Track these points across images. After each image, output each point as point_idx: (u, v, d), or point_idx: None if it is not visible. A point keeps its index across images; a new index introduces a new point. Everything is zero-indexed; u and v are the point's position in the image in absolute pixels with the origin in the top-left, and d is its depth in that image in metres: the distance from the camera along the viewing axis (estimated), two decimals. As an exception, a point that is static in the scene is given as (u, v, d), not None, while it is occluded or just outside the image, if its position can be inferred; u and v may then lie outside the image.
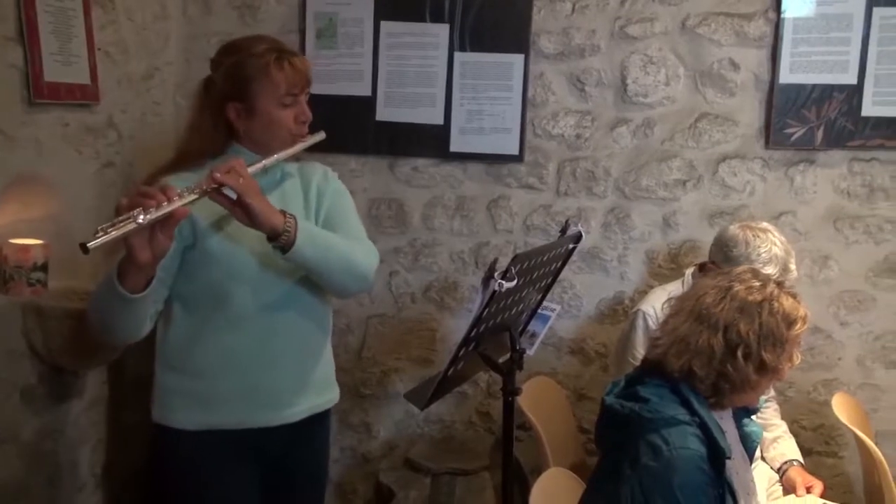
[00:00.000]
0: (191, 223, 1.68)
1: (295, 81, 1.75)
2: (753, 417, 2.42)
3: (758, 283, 1.66)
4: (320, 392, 1.89)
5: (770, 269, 2.20)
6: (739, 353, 1.61)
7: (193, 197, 1.53)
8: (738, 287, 1.65)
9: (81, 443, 2.36)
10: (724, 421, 1.70)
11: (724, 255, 2.29)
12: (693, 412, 1.61)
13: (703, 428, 1.59)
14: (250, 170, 1.64)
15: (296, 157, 1.84)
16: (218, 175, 1.56)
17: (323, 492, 2.03)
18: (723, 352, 1.61)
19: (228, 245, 1.72)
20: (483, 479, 2.65)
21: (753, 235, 2.26)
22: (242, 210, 1.59)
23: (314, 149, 1.86)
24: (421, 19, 2.79)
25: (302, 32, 2.84)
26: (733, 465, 1.66)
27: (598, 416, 1.75)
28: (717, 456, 1.58)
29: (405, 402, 2.61)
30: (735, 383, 1.63)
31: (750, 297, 1.63)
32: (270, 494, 1.86)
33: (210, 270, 1.72)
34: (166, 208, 1.46)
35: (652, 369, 1.70)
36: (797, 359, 1.69)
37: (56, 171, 2.21)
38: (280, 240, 1.62)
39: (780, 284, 1.68)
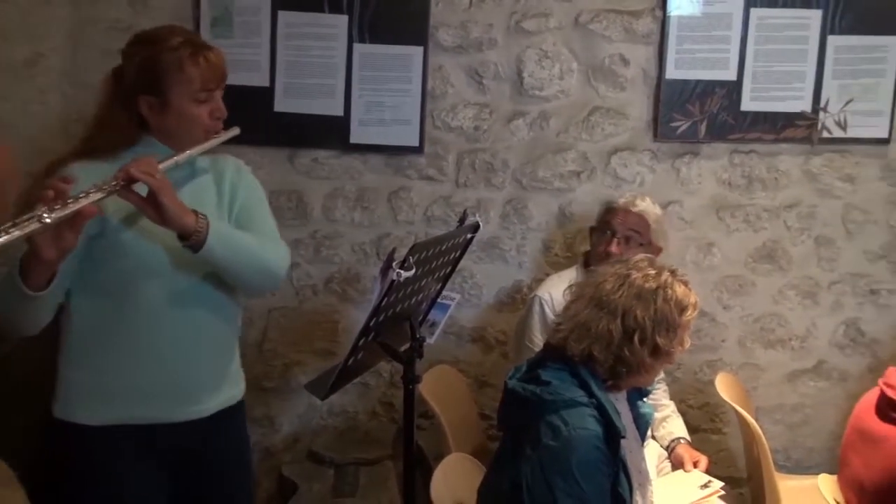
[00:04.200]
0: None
1: (210, 77, 1.73)
2: (645, 399, 2.54)
3: (653, 272, 1.75)
4: (231, 385, 1.88)
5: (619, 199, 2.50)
6: (636, 338, 1.69)
7: (102, 195, 1.50)
8: (635, 275, 1.73)
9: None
10: (619, 402, 1.78)
11: None
12: (591, 394, 1.68)
13: (600, 409, 1.67)
14: (162, 166, 1.62)
15: (209, 151, 1.82)
16: (133, 171, 1.54)
17: (248, 482, 2.01)
18: (620, 337, 1.69)
19: (141, 238, 1.69)
20: (386, 468, 2.68)
21: None
22: (154, 209, 1.58)
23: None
24: (319, 10, 2.77)
25: (196, 21, 2.77)
26: (627, 445, 1.74)
27: (501, 400, 1.81)
28: (612, 435, 1.66)
29: (308, 394, 2.60)
30: (631, 366, 1.71)
31: (646, 285, 1.72)
32: (189, 490, 1.83)
33: (119, 262, 1.69)
34: (72, 207, 1.43)
35: (554, 353, 1.76)
36: (687, 343, 1.79)
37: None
38: (191, 239, 1.62)
39: (673, 272, 1.77)
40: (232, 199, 1.84)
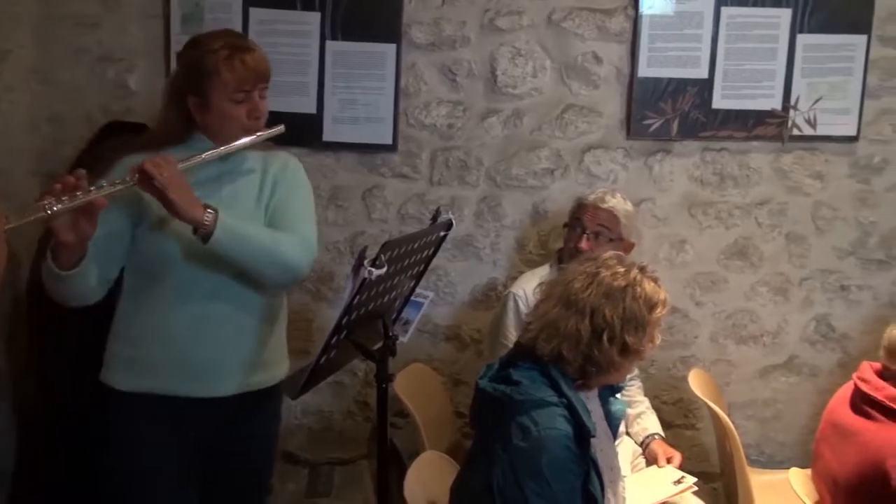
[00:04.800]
0: (139, 202, 1.81)
1: (245, 78, 1.84)
2: (618, 395, 2.55)
3: (622, 269, 1.74)
4: (254, 373, 1.94)
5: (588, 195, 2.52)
6: (605, 337, 1.68)
7: (118, 188, 1.67)
8: (604, 273, 1.72)
9: None
10: (590, 401, 1.78)
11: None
12: (561, 394, 1.67)
13: (570, 408, 1.66)
14: (183, 165, 1.76)
15: (264, 147, 1.96)
16: (146, 167, 1.68)
17: (265, 468, 2.10)
18: (589, 336, 1.68)
19: (170, 229, 1.82)
20: (361, 468, 2.67)
21: None
22: (165, 202, 1.72)
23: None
24: (291, 7, 2.75)
25: (166, 17, 2.74)
26: (598, 443, 1.74)
27: (472, 399, 1.80)
28: (582, 434, 1.66)
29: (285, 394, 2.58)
30: (601, 365, 1.70)
31: (615, 283, 1.71)
32: (208, 465, 1.96)
33: (152, 248, 1.85)
34: (82, 199, 1.59)
35: (524, 352, 1.76)
36: (658, 339, 1.78)
37: None
38: (199, 231, 1.74)
39: (642, 269, 1.77)
40: (271, 194, 1.94)
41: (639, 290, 1.71)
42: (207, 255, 1.80)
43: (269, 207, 1.93)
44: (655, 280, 1.77)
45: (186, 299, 1.85)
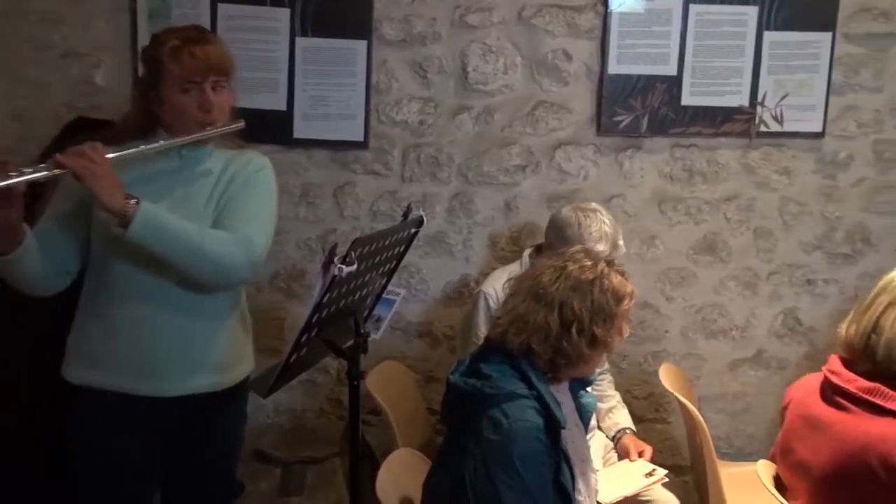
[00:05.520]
0: (81, 201, 1.79)
1: (194, 69, 1.81)
2: (589, 389, 2.57)
3: (589, 262, 1.75)
4: (206, 374, 1.90)
5: (601, 246, 2.33)
6: (574, 330, 1.69)
7: (38, 175, 1.62)
8: (571, 266, 1.74)
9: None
10: (560, 393, 1.79)
11: (558, 237, 2.40)
12: (531, 386, 1.68)
13: (541, 401, 1.67)
14: (119, 155, 1.71)
15: (237, 145, 1.96)
16: (58, 156, 1.64)
17: (228, 472, 2.10)
18: (558, 329, 1.69)
19: (109, 224, 1.76)
20: (334, 465, 2.67)
21: (584, 216, 2.39)
22: (88, 192, 1.68)
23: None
24: (261, 2, 2.73)
25: (133, 12, 2.70)
26: (569, 435, 1.75)
27: (444, 395, 1.81)
28: (553, 426, 1.67)
29: (253, 392, 2.57)
30: (570, 358, 1.72)
31: (583, 276, 1.72)
32: (167, 462, 1.96)
33: (97, 243, 1.84)
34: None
35: (494, 347, 1.76)
36: (626, 332, 1.80)
37: None
38: (120, 221, 1.69)
39: (609, 263, 1.78)
40: (223, 193, 1.90)
41: (606, 282, 1.73)
42: (145, 251, 1.75)
43: (219, 205, 1.89)
44: (622, 273, 1.78)
45: (129, 298, 1.83)
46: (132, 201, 1.69)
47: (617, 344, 1.80)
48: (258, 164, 1.98)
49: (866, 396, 1.70)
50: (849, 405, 1.74)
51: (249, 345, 2.06)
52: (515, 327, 1.72)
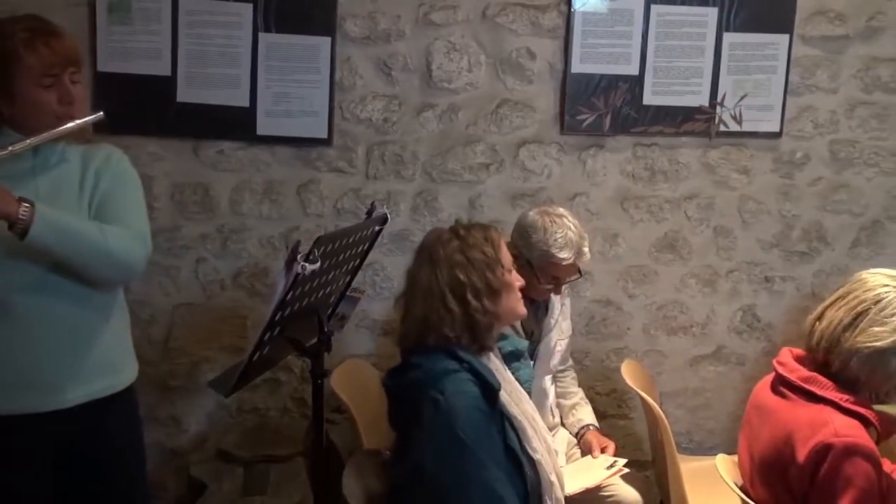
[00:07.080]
0: None
1: (52, 62, 1.72)
2: (553, 385, 2.59)
3: (447, 237, 1.83)
4: (102, 376, 1.84)
5: (565, 253, 2.35)
6: (471, 296, 1.76)
7: None
8: (438, 252, 1.81)
9: None
10: (492, 363, 1.85)
11: (523, 239, 2.41)
12: (461, 360, 1.74)
13: (473, 371, 1.73)
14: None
15: (85, 140, 1.81)
16: None
17: (137, 479, 2.00)
18: (460, 307, 1.76)
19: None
20: (298, 464, 2.65)
21: (551, 221, 2.39)
22: None
23: (102, 130, 1.81)
24: (222, -3, 2.71)
25: (91, 6, 2.65)
26: (509, 398, 1.81)
27: (387, 404, 1.84)
28: (491, 393, 1.73)
29: (215, 391, 2.54)
30: (486, 321, 1.79)
31: (449, 252, 1.80)
32: (73, 482, 1.84)
33: None
34: None
35: (417, 348, 1.82)
36: (511, 261, 1.88)
37: None
38: (16, 227, 1.62)
39: (464, 227, 1.86)
40: (94, 188, 1.82)
41: (470, 240, 1.81)
42: (29, 253, 1.68)
43: (93, 202, 1.82)
44: (475, 224, 1.88)
45: (10, 305, 1.72)
46: (26, 205, 1.62)
47: (516, 281, 1.88)
48: (119, 156, 1.92)
49: (803, 384, 1.78)
50: (789, 393, 1.82)
51: (131, 344, 1.98)
52: (425, 330, 1.78)
